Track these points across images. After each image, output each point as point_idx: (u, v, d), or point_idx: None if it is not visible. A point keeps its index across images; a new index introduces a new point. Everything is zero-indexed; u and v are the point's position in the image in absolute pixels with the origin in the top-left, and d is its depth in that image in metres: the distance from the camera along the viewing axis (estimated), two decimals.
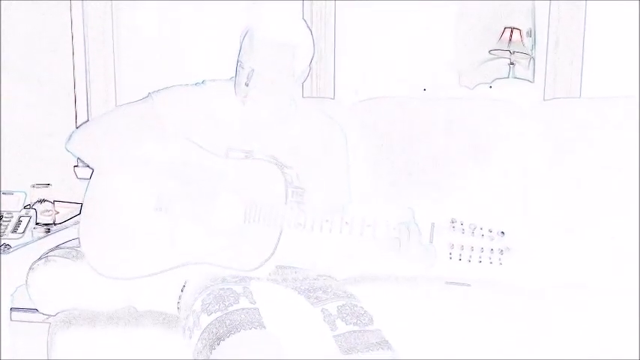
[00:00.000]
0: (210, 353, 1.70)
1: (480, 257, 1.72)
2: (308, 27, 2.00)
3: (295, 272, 1.95)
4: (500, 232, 1.72)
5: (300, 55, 1.95)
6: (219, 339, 1.71)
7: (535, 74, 2.55)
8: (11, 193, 2.44)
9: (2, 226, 2.32)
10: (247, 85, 1.94)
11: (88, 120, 2.59)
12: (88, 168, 2.03)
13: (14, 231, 2.32)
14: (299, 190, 1.97)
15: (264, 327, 1.74)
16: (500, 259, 1.71)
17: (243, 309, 1.76)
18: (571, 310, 1.99)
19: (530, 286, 2.03)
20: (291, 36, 1.95)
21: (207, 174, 1.92)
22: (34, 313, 2.08)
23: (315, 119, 2.10)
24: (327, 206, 1.97)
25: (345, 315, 1.81)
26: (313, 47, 1.98)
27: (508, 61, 2.56)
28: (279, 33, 1.94)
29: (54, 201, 2.45)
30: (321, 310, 1.81)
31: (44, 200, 2.43)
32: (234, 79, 2.01)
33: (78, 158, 2.21)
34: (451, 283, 2.05)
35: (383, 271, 2.09)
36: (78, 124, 2.61)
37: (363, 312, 1.83)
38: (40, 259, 2.05)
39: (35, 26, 2.56)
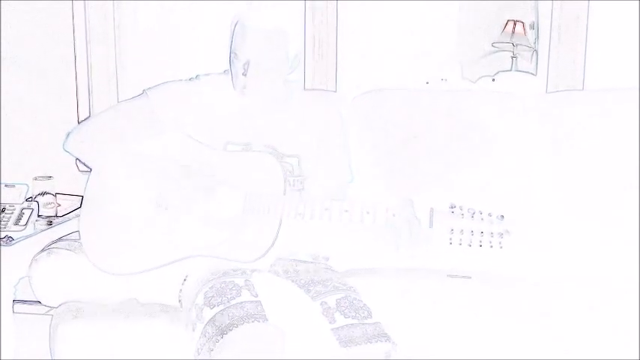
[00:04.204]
0: (214, 346, 1.71)
1: (480, 241, 1.72)
2: (295, 13, 2.03)
3: (296, 264, 1.95)
4: (499, 216, 1.72)
5: (290, 39, 1.97)
6: (222, 332, 1.72)
7: (538, 67, 2.54)
8: (13, 186, 2.44)
9: (4, 219, 2.33)
10: (245, 75, 1.95)
11: (89, 114, 2.59)
12: None
13: (16, 223, 2.32)
14: (300, 178, 1.98)
15: (267, 320, 1.75)
16: (500, 243, 1.71)
17: (245, 302, 1.77)
18: (571, 303, 1.99)
19: (530, 277, 2.02)
20: (281, 21, 1.97)
21: (206, 168, 1.92)
22: (36, 305, 2.08)
23: (311, 103, 2.12)
24: (330, 188, 1.99)
25: (343, 308, 1.81)
26: (305, 30, 2.00)
27: (511, 53, 2.55)
28: (270, 20, 1.95)
29: (56, 193, 2.46)
30: (321, 304, 1.81)
31: (46, 193, 2.43)
32: (228, 71, 2.02)
33: (76, 159, 2.22)
34: (452, 275, 2.05)
35: (383, 263, 2.09)
36: (80, 118, 2.61)
37: (361, 305, 1.83)
38: (42, 251, 2.06)
39: (36, 22, 2.57)
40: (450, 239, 1.73)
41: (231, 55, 1.98)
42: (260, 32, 1.94)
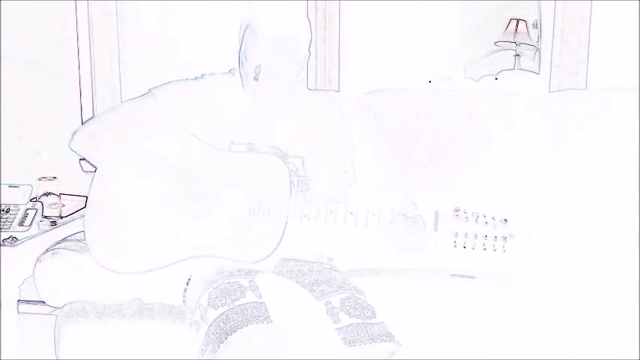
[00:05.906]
0: (218, 347, 1.71)
1: (484, 245, 1.72)
2: (305, 16, 2.03)
3: (300, 265, 1.95)
4: (502, 220, 1.72)
5: (302, 43, 1.97)
6: (226, 333, 1.72)
7: (541, 66, 2.54)
8: (17, 187, 2.45)
9: (9, 219, 2.33)
10: (256, 80, 1.94)
11: (93, 115, 2.59)
12: None
13: (21, 224, 2.33)
14: (304, 178, 1.98)
15: (271, 321, 1.75)
16: (503, 247, 1.71)
17: (249, 303, 1.77)
18: (571, 303, 2.00)
19: (534, 277, 2.03)
20: (293, 27, 1.96)
21: (211, 168, 1.92)
22: (41, 305, 2.09)
23: (314, 103, 2.11)
24: (332, 189, 1.98)
25: (348, 308, 1.81)
26: (311, 32, 1.99)
27: (514, 52, 2.55)
28: (283, 27, 1.94)
29: (60, 194, 2.46)
30: (325, 304, 1.81)
31: (50, 193, 2.44)
32: (234, 71, 2.01)
33: (81, 159, 2.22)
34: (455, 275, 2.06)
35: (386, 263, 2.10)
36: (83, 118, 2.61)
37: (366, 305, 1.83)
38: (47, 251, 2.07)
39: (36, 21, 2.56)
40: (455, 242, 1.73)
41: (241, 58, 1.97)
42: (272, 38, 1.93)
